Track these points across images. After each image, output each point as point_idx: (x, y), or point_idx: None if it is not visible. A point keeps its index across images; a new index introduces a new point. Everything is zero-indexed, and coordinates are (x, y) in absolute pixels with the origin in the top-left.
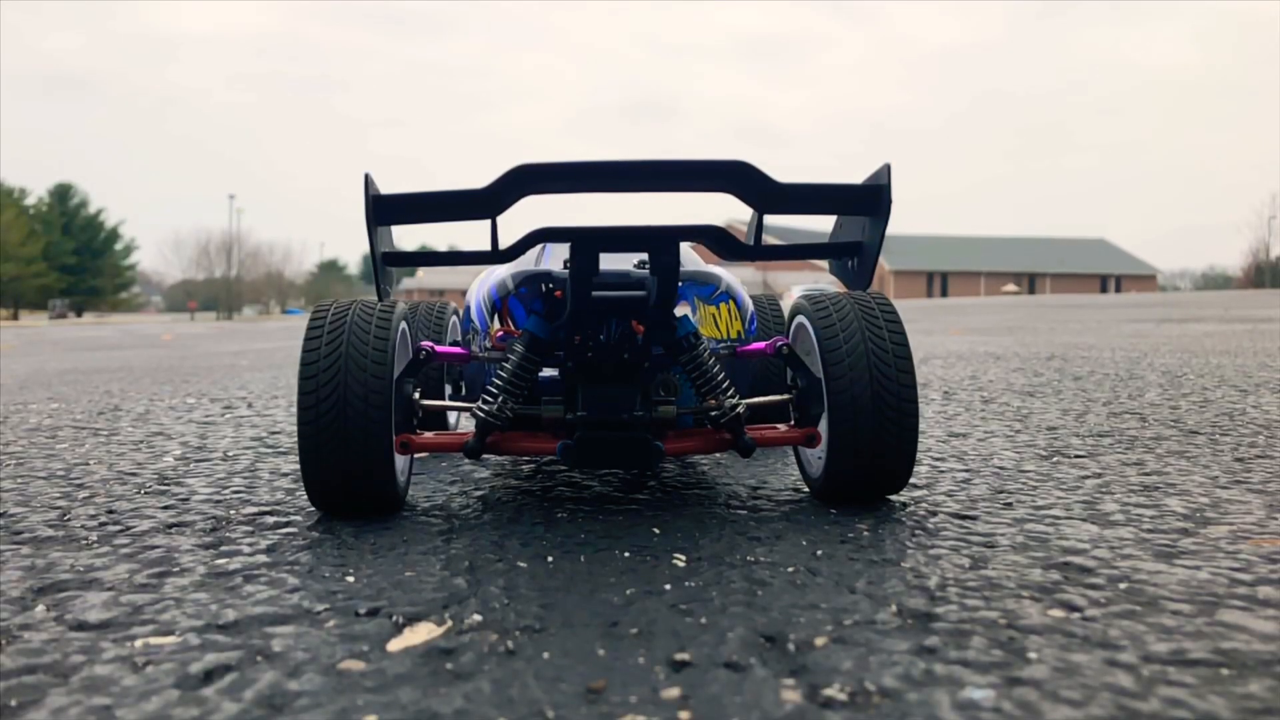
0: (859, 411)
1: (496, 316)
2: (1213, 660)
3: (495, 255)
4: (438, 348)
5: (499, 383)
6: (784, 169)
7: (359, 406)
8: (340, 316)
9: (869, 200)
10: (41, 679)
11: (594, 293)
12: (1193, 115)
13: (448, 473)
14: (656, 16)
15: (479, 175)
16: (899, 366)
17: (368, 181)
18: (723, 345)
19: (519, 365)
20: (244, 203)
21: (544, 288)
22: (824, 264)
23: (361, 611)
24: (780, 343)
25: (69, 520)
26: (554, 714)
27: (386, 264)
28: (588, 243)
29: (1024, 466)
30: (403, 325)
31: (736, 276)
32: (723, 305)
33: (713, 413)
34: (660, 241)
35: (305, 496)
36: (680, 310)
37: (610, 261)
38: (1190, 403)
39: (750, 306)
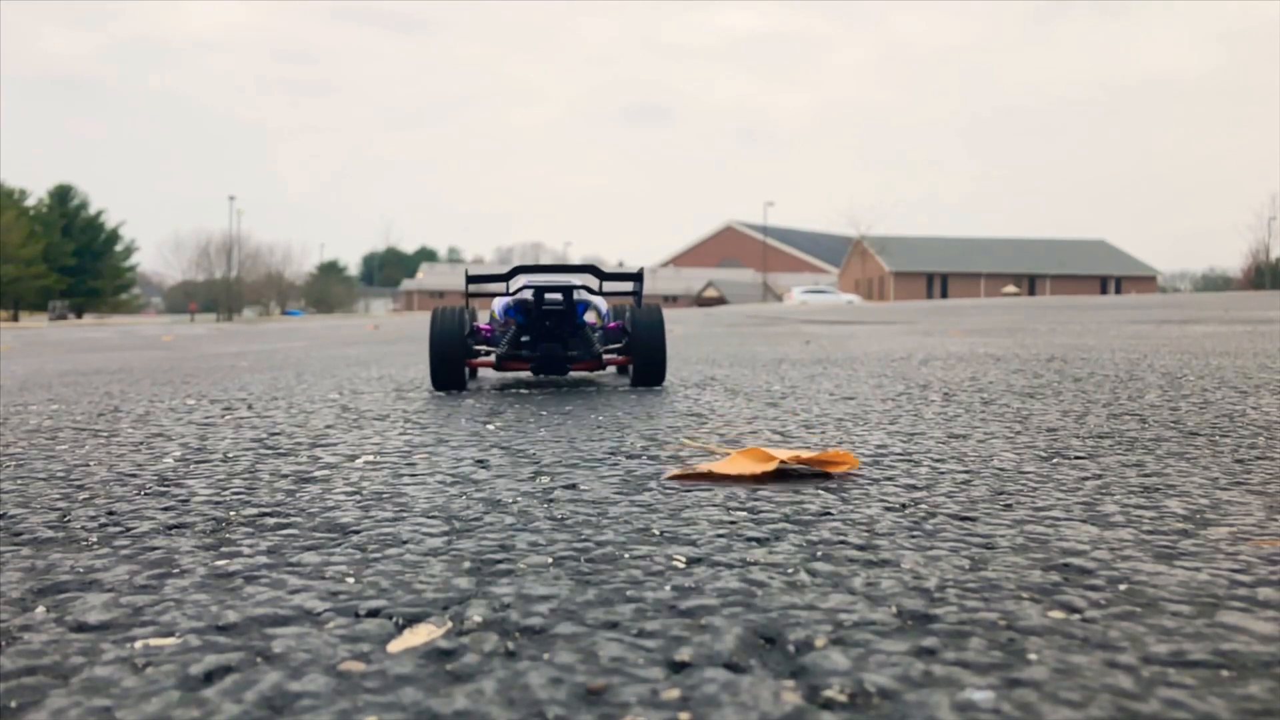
0: (644, 350)
1: (506, 315)
2: (1213, 661)
3: (508, 294)
4: (480, 325)
5: (505, 341)
6: (783, 170)
7: (452, 347)
8: (444, 310)
9: (638, 276)
10: (41, 680)
11: (544, 306)
12: (1193, 117)
13: (447, 474)
14: (656, 18)
15: (479, 176)
16: (658, 331)
17: (466, 268)
18: (598, 326)
19: (514, 335)
20: (244, 204)
21: (524, 303)
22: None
23: (362, 612)
24: (620, 323)
25: (69, 521)
26: (554, 715)
27: (469, 296)
28: (540, 288)
29: (1024, 468)
30: (466, 314)
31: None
32: (597, 311)
33: (592, 352)
34: (569, 287)
35: (306, 498)
36: (589, 314)
37: (553, 289)
38: (1190, 404)
39: (608, 311)
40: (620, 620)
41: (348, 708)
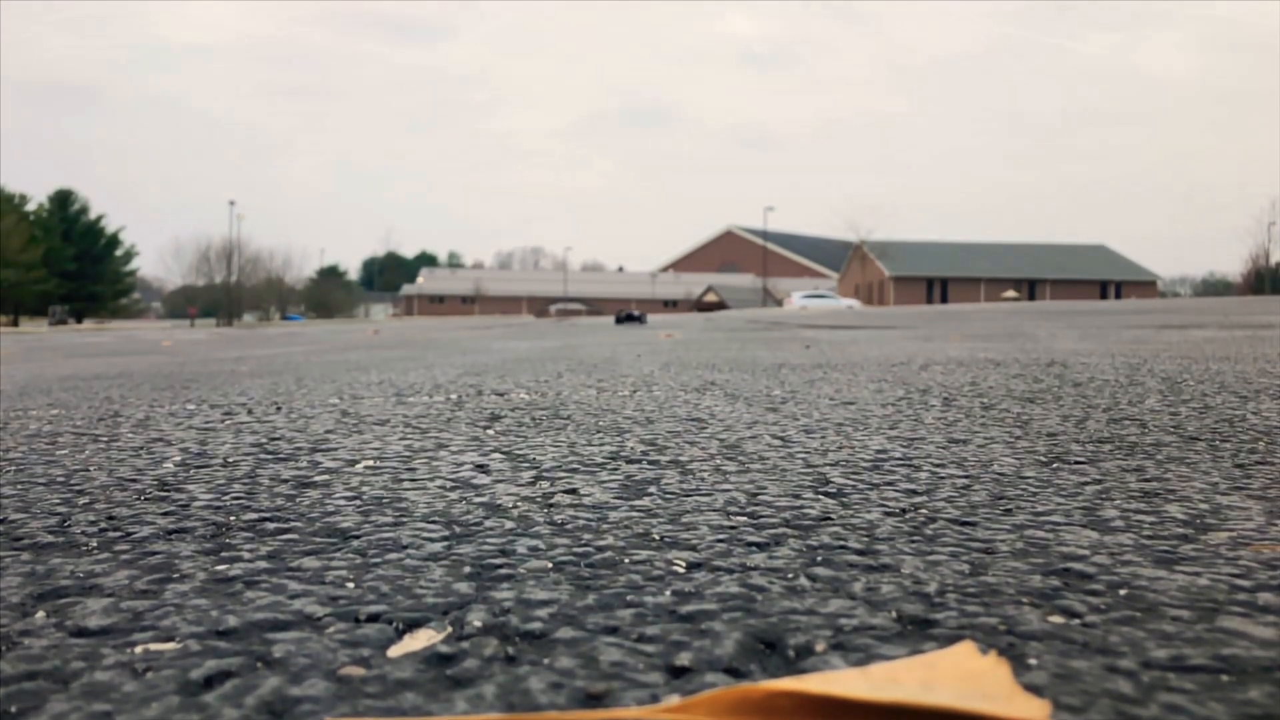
0: None
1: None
2: (1213, 666)
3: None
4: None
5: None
6: (784, 175)
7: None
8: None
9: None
10: (42, 685)
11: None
12: (1193, 122)
13: (447, 479)
14: (658, 23)
15: (479, 181)
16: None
17: (552, 306)
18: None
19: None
20: (244, 209)
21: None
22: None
23: (362, 617)
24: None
25: (69, 526)
26: None
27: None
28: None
29: (1024, 473)
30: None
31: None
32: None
33: None
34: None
35: (306, 503)
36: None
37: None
38: (1190, 409)
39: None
40: (620, 625)
41: (348, 712)
